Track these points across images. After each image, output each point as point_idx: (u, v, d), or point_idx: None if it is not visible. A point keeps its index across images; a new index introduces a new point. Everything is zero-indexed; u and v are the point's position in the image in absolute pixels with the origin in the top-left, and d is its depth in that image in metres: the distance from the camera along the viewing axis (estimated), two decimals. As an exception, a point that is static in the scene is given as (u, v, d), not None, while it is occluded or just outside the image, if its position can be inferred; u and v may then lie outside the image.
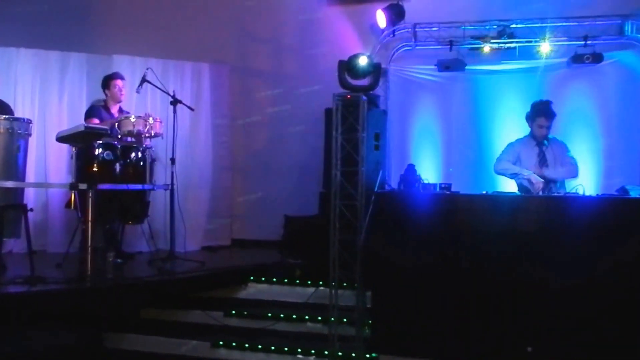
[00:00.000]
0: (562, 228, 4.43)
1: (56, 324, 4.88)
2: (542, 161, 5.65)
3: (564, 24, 6.49)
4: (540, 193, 5.39)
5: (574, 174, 5.63)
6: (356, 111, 5.05)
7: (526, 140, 5.79)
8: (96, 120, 5.94)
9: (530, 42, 6.57)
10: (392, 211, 4.68)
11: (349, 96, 5.17)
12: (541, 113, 5.63)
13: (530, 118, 5.75)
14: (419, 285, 4.49)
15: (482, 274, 4.38)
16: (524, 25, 6.60)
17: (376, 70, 6.30)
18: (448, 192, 4.88)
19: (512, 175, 5.74)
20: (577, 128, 6.41)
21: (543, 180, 5.48)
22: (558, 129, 6.12)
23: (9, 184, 5.04)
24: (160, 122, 5.94)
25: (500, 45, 6.66)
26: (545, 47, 6.49)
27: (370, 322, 4.78)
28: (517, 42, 6.63)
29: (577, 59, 6.37)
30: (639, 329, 4.18)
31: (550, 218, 4.49)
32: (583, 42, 6.38)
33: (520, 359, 4.26)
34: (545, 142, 5.67)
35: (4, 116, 5.17)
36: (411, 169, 5.04)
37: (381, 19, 6.92)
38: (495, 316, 4.33)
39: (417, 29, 6.91)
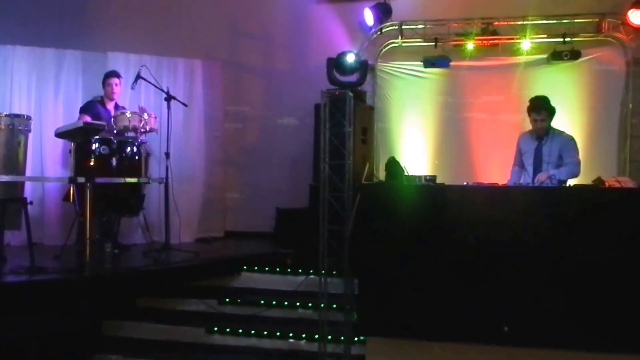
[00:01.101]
0: (538, 216, 4.67)
1: (56, 312, 5.07)
2: (537, 155, 5.72)
3: (544, 22, 6.75)
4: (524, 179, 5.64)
5: (574, 173, 5.61)
6: (343, 107, 5.28)
7: (527, 134, 5.88)
8: (87, 117, 6.12)
9: (512, 39, 6.83)
10: (377, 202, 4.90)
11: (336, 92, 5.39)
12: (532, 108, 5.73)
13: (528, 113, 5.79)
14: (403, 272, 4.72)
15: (462, 261, 4.61)
16: (506, 23, 6.84)
17: (363, 67, 6.54)
18: (431, 184, 5.10)
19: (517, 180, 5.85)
20: (556, 121, 6.63)
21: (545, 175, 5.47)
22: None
23: (11, 178, 5.24)
24: (155, 117, 6.15)
25: (484, 42, 6.91)
26: (526, 44, 6.77)
27: (357, 307, 5.02)
28: (499, 40, 6.89)
29: (556, 55, 6.64)
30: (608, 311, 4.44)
31: (527, 207, 4.74)
32: (562, 40, 6.64)
33: (497, 337, 4.51)
34: (545, 137, 5.72)
35: (5, 113, 5.37)
36: (394, 161, 5.25)
37: (369, 16, 7.15)
38: (475, 300, 4.57)
39: (403, 27, 7.15)
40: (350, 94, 5.34)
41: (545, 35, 6.76)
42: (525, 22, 6.75)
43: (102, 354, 5.20)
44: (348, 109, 5.24)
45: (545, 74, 6.85)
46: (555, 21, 6.73)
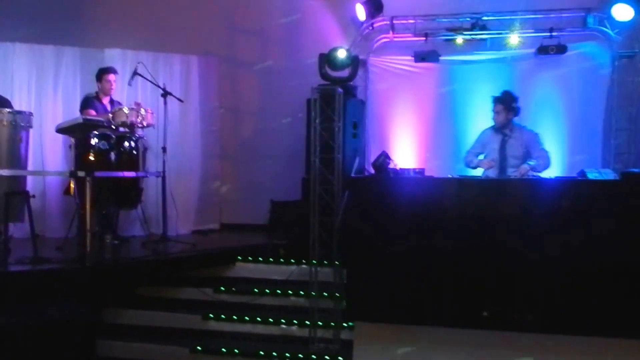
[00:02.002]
0: (523, 207, 5.00)
1: (58, 300, 5.43)
2: (502, 150, 6.14)
3: (532, 16, 7.05)
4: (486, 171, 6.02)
5: (549, 164, 6.10)
6: (333, 102, 5.62)
7: (491, 130, 6.34)
8: (92, 112, 6.47)
9: (501, 34, 7.13)
10: (366, 194, 5.24)
11: (325, 88, 5.73)
12: (492, 100, 6.24)
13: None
14: (390, 261, 5.04)
15: (446, 250, 4.95)
16: (494, 18, 7.15)
17: (354, 63, 6.89)
18: (418, 176, 5.44)
19: (471, 166, 6.36)
20: (543, 114, 6.98)
21: (492, 162, 6.07)
22: (526, 115, 6.74)
23: (13, 172, 5.59)
24: (152, 113, 6.47)
25: (473, 37, 7.23)
26: (514, 39, 7.05)
27: (346, 294, 5.37)
28: (488, 34, 7.20)
29: (542, 50, 6.93)
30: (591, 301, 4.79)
31: (509, 197, 5.08)
32: (549, 34, 6.94)
33: (477, 321, 4.87)
34: (508, 130, 6.16)
35: (8, 110, 5.72)
36: (383, 155, 5.59)
37: (360, 12, 7.47)
38: (456, 287, 4.92)
39: (394, 22, 7.45)
40: (340, 89, 5.67)
41: (532, 30, 7.04)
42: (513, 17, 7.04)
43: (103, 339, 5.58)
44: (337, 104, 5.58)
45: (533, 68, 7.16)
46: (542, 15, 7.02)
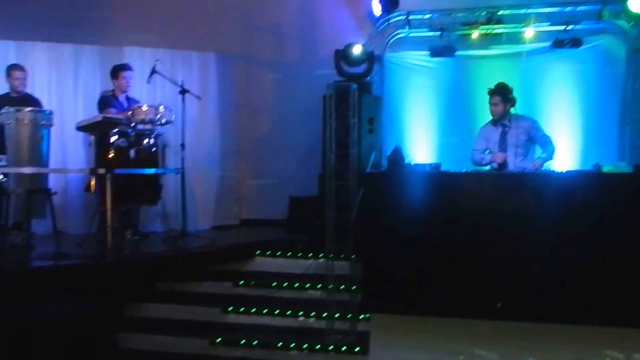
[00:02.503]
0: (537, 200, 5.14)
1: (81, 295, 5.65)
2: (502, 141, 6.24)
3: (547, 10, 7.11)
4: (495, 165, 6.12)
5: (554, 149, 6.22)
6: (349, 98, 5.75)
7: (489, 124, 6.45)
8: (114, 110, 6.66)
9: (516, 28, 7.20)
10: (381, 189, 5.40)
11: (340, 85, 5.86)
12: (489, 92, 6.35)
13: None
14: (405, 254, 5.22)
15: (460, 242, 5.10)
16: (510, 12, 7.21)
17: (370, 59, 7.01)
18: (431, 171, 5.57)
19: (483, 164, 6.40)
20: (559, 108, 7.04)
21: (504, 154, 6.14)
22: (541, 108, 6.83)
23: (35, 170, 5.81)
24: (170, 110, 6.64)
25: (488, 31, 7.30)
26: (529, 33, 7.13)
27: (361, 287, 5.52)
28: (504, 28, 7.27)
29: (558, 43, 7.00)
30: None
31: (523, 191, 5.22)
32: (564, 28, 7.01)
33: (491, 313, 4.99)
34: (507, 121, 6.26)
35: (29, 108, 5.93)
36: (398, 150, 5.72)
37: (376, 7, 7.55)
38: (471, 278, 5.06)
39: (410, 17, 7.54)
40: (354, 86, 5.80)
41: (547, 24, 7.11)
42: (529, 11, 7.12)
43: (124, 333, 5.77)
44: (352, 100, 5.71)
45: (548, 62, 7.21)
46: (557, 9, 7.07)
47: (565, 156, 6.77)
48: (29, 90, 6.87)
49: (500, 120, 6.31)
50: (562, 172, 5.76)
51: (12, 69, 6.66)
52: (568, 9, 7.05)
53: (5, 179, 5.85)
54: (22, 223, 6.05)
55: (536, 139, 6.23)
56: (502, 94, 6.24)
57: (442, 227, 5.16)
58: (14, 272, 5.25)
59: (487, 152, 6.44)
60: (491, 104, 6.30)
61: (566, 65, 7.18)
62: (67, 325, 5.45)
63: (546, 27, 7.15)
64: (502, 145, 6.23)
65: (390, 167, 5.62)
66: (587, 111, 7.08)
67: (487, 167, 6.38)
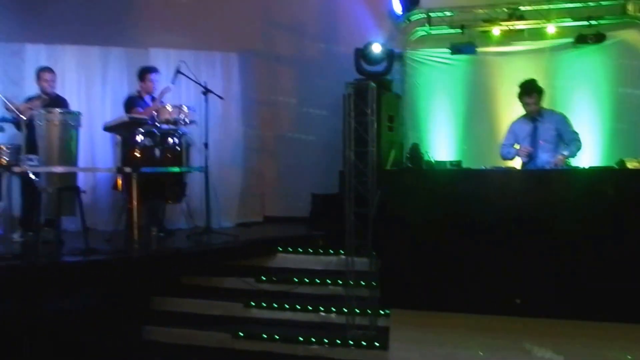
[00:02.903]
0: (558, 197, 5.18)
1: (109, 289, 5.88)
2: (534, 135, 6.20)
3: (570, 5, 7.14)
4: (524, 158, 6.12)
5: (580, 147, 6.17)
6: (367, 97, 5.87)
7: (521, 119, 6.40)
8: (140, 110, 6.89)
9: (538, 23, 7.24)
10: (399, 186, 5.51)
11: (359, 83, 5.99)
12: (524, 92, 6.23)
13: (519, 98, 6.30)
14: (424, 250, 5.31)
15: (478, 239, 5.17)
16: (532, 8, 7.25)
17: (389, 57, 7.13)
18: (449, 168, 5.67)
19: (510, 158, 6.40)
20: (582, 104, 7.07)
21: (529, 148, 6.12)
22: (564, 104, 6.86)
23: (65, 169, 6.06)
24: (194, 110, 6.83)
25: (510, 27, 7.35)
26: (551, 29, 7.17)
27: (380, 283, 5.64)
28: (525, 25, 7.31)
29: (580, 39, 7.01)
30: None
31: (543, 188, 5.27)
32: (587, 23, 7.02)
33: (509, 308, 5.08)
34: (538, 117, 6.22)
35: (59, 110, 6.18)
36: (416, 148, 5.82)
37: (397, 5, 7.66)
38: (489, 275, 5.13)
39: (430, 14, 7.65)
40: (373, 84, 5.92)
41: (570, 19, 7.14)
42: (550, 7, 7.17)
43: (149, 325, 5.99)
44: (370, 98, 5.83)
45: (571, 57, 7.25)
46: (580, 4, 7.10)
47: (589, 152, 6.79)
48: (59, 91, 7.13)
49: (533, 115, 6.24)
50: (584, 168, 5.78)
51: (41, 71, 6.91)
52: (591, 3, 7.08)
53: (37, 178, 6.09)
54: (53, 220, 6.29)
55: (564, 134, 6.16)
56: (538, 90, 6.17)
57: (461, 224, 5.22)
58: (46, 266, 5.50)
59: (517, 145, 6.39)
60: (529, 102, 6.16)
61: (589, 60, 7.20)
62: (94, 317, 5.65)
63: (569, 23, 7.18)
64: (534, 140, 6.19)
65: (409, 165, 5.71)
66: (611, 106, 7.09)
67: (513, 161, 6.41)
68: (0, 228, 6.62)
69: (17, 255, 5.69)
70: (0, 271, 5.30)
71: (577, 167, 5.94)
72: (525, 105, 6.21)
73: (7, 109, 6.38)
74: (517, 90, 6.48)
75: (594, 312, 4.97)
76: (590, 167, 5.91)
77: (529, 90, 6.17)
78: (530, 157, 6.15)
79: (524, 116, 6.33)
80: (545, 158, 6.10)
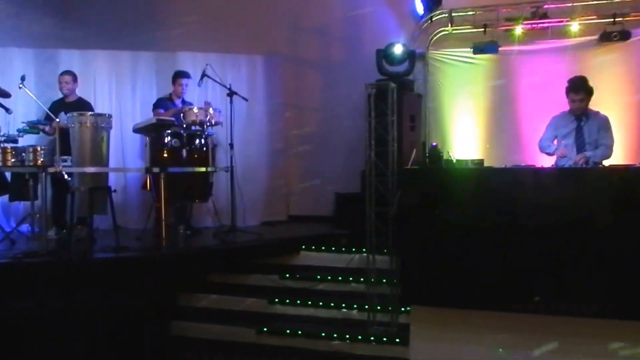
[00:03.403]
0: (579, 195, 5.21)
1: (138, 284, 6.07)
2: (579, 135, 6.15)
3: (594, 2, 7.15)
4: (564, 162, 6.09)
5: (607, 155, 6.11)
6: (387, 97, 6.00)
7: (564, 115, 6.34)
8: (162, 111, 7.12)
9: (562, 22, 7.26)
10: (419, 185, 5.62)
11: (380, 84, 6.12)
12: (570, 89, 6.18)
13: (566, 93, 6.25)
14: (443, 247, 5.40)
15: (498, 237, 5.24)
16: (555, 6, 7.28)
17: (411, 57, 7.24)
18: (468, 167, 5.75)
19: (550, 152, 6.35)
20: (607, 102, 6.99)
21: (565, 150, 6.09)
22: (590, 104, 6.88)
23: (97, 169, 6.33)
24: (220, 112, 7.04)
25: (533, 26, 7.38)
26: (575, 26, 7.18)
27: (400, 280, 5.77)
28: (549, 23, 7.32)
29: (605, 36, 7.01)
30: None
31: (566, 186, 5.30)
32: (612, 20, 7.03)
33: (528, 305, 5.16)
34: (584, 116, 6.16)
35: (90, 113, 6.46)
36: (435, 147, 5.91)
37: (419, 5, 7.78)
38: (509, 273, 5.21)
39: (453, 14, 7.71)
40: (393, 85, 6.04)
41: (594, 17, 7.14)
42: (575, 4, 7.18)
43: (177, 321, 6.22)
44: (390, 99, 5.96)
45: (596, 55, 7.24)
46: (605, 1, 7.10)
47: (617, 151, 6.78)
48: (89, 95, 7.42)
49: (578, 113, 6.18)
50: (604, 167, 5.79)
51: (60, 74, 7.20)
52: (616, 0, 7.07)
53: (69, 178, 6.36)
54: (86, 218, 6.57)
55: (601, 138, 6.10)
56: (586, 88, 6.12)
57: (479, 222, 5.29)
58: (78, 263, 5.78)
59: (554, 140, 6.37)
60: (575, 100, 6.10)
61: (614, 58, 7.19)
62: (124, 312, 5.85)
63: (593, 20, 7.18)
64: (579, 139, 6.13)
65: (429, 164, 5.81)
66: (637, 105, 7.08)
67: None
68: (36, 226, 6.92)
69: (51, 252, 5.95)
70: (36, 267, 5.61)
71: (600, 165, 5.96)
72: (571, 102, 6.15)
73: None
74: (542, 89, 6.62)
75: (622, 311, 5.01)
76: (611, 165, 5.91)
77: (576, 88, 6.10)
78: (564, 157, 6.15)
79: (569, 112, 6.25)
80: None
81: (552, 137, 6.37)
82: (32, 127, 6.88)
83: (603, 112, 6.65)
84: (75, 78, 7.19)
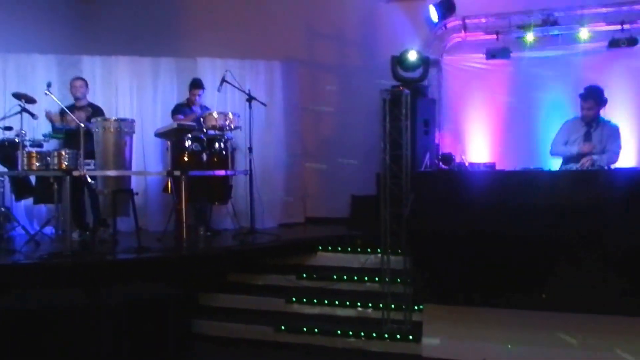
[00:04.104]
0: (588, 198, 5.39)
1: (159, 284, 6.29)
2: (587, 140, 6.34)
3: (603, 10, 7.31)
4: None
5: (613, 161, 6.28)
6: (401, 103, 6.21)
7: (575, 121, 6.57)
8: (181, 116, 7.38)
9: (572, 29, 7.43)
10: (432, 188, 5.84)
11: (393, 90, 6.34)
12: (582, 97, 6.44)
13: (580, 100, 6.51)
14: (455, 247, 5.58)
15: (507, 237, 5.42)
16: (565, 14, 7.44)
17: (425, 63, 7.44)
18: (478, 169, 5.97)
19: (567, 154, 6.49)
20: (616, 107, 7.16)
21: (592, 144, 6.25)
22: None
23: (119, 173, 6.59)
24: (238, 116, 7.28)
25: (544, 33, 7.57)
26: (585, 33, 7.33)
27: (412, 280, 5.98)
28: (559, 30, 7.50)
29: (614, 43, 7.15)
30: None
31: (571, 187, 5.51)
32: (620, 27, 7.20)
33: (535, 303, 5.36)
34: (594, 123, 6.38)
35: (114, 117, 6.73)
36: (447, 153, 6.13)
37: (433, 13, 7.96)
38: (517, 271, 5.40)
39: (466, 21, 7.90)
40: (407, 91, 6.26)
41: (603, 24, 7.29)
42: (584, 12, 7.35)
43: (197, 319, 6.44)
44: (404, 104, 6.17)
45: (604, 61, 7.40)
46: (613, 9, 7.25)
47: (625, 157, 6.96)
48: (111, 100, 7.71)
49: (588, 120, 6.40)
50: (613, 169, 5.98)
51: (72, 79, 7.48)
52: (625, 8, 7.21)
53: (93, 181, 6.63)
54: (107, 220, 6.87)
55: (609, 145, 6.32)
56: (595, 97, 6.35)
57: (489, 223, 5.46)
58: (102, 263, 6.07)
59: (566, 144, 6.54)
60: (584, 107, 6.36)
61: (623, 64, 7.35)
62: (146, 311, 5.95)
63: (602, 27, 7.34)
64: (587, 142, 6.34)
65: (441, 167, 6.02)
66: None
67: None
68: (59, 228, 7.19)
69: (75, 253, 6.21)
70: (60, 268, 5.88)
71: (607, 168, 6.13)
72: (581, 109, 6.41)
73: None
74: (552, 93, 6.82)
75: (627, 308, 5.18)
76: (616, 168, 6.10)
77: (585, 96, 6.38)
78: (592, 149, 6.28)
79: (580, 118, 6.47)
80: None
81: (564, 141, 6.56)
82: (58, 132, 7.16)
83: (611, 116, 6.87)
84: (86, 83, 7.47)
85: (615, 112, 7.16)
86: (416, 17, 8.35)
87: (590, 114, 6.35)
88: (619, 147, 6.34)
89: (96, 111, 7.23)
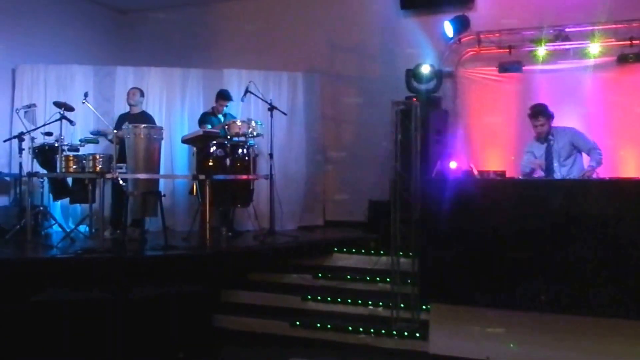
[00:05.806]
0: (577, 206, 5.62)
1: (184, 281, 6.60)
2: (548, 155, 6.66)
3: (613, 26, 7.57)
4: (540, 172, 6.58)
5: (601, 157, 6.53)
6: (411, 114, 6.55)
7: (534, 141, 6.89)
8: (208, 127, 7.78)
9: (582, 44, 7.69)
10: (440, 194, 6.11)
11: (405, 102, 6.68)
12: (532, 116, 6.76)
13: (531, 120, 6.81)
14: (461, 250, 5.85)
15: (510, 240, 5.70)
16: (576, 30, 7.72)
17: (438, 77, 7.78)
18: (487, 178, 6.26)
19: (527, 172, 6.79)
20: (625, 121, 7.46)
21: (540, 160, 6.62)
22: (607, 122, 7.38)
23: (149, 175, 7.00)
24: (261, 124, 7.63)
25: (555, 47, 7.83)
26: (595, 49, 7.59)
27: (420, 280, 6.27)
28: (570, 45, 7.77)
29: (622, 58, 7.45)
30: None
31: (571, 196, 5.74)
32: (629, 43, 7.46)
33: (535, 305, 5.62)
34: (550, 137, 6.67)
35: (144, 125, 7.14)
36: (454, 162, 6.43)
37: (449, 28, 8.30)
38: (520, 274, 5.66)
39: (480, 36, 8.23)
40: (417, 103, 6.61)
41: (613, 40, 7.55)
42: (594, 28, 7.62)
43: (219, 314, 6.82)
44: (414, 115, 6.52)
45: (614, 76, 7.66)
46: (623, 25, 7.51)
47: (633, 165, 7.20)
48: (145, 108, 8.16)
49: (543, 136, 6.71)
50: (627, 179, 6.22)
51: (130, 89, 8.01)
52: (634, 25, 7.46)
53: (124, 183, 7.04)
54: (138, 220, 7.31)
55: (581, 146, 6.62)
56: (545, 114, 6.66)
57: (494, 227, 5.74)
58: (132, 260, 6.47)
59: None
60: (537, 125, 6.68)
61: (631, 78, 7.60)
62: (171, 304, 6.31)
63: (612, 43, 7.59)
64: (549, 159, 6.66)
65: (448, 174, 6.33)
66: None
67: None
68: (93, 226, 7.67)
69: (107, 250, 6.61)
70: (94, 263, 6.28)
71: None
72: (534, 127, 6.75)
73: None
74: (563, 106, 7.10)
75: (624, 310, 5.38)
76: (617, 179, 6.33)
77: (535, 114, 6.72)
78: (547, 171, 6.62)
79: (536, 138, 6.81)
80: (565, 172, 6.58)
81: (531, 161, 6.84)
82: (96, 135, 7.64)
83: (619, 130, 7.13)
84: (142, 93, 7.96)
85: (623, 126, 7.46)
86: (432, 32, 8.64)
87: (545, 130, 6.67)
88: (592, 142, 6.63)
89: (147, 119, 7.71)
